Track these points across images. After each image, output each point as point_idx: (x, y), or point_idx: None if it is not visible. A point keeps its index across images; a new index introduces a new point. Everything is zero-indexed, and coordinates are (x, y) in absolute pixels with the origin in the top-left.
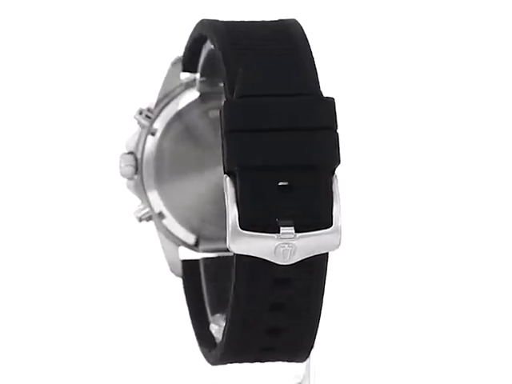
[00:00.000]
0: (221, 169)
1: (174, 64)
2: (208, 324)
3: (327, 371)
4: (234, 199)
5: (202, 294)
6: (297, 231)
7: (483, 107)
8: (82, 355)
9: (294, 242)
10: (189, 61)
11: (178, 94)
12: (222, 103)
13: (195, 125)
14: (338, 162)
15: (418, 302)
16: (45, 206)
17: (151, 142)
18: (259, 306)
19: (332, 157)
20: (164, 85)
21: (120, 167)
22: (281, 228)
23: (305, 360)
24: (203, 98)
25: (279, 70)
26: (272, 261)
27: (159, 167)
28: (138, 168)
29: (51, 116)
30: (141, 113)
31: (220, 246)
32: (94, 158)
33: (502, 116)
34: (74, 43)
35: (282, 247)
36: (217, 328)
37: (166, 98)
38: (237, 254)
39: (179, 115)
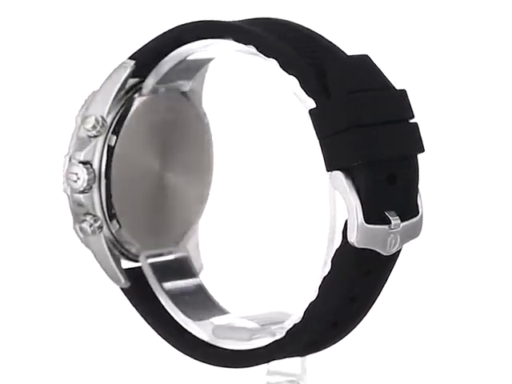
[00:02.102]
0: (171, 175)
1: (125, 68)
2: (182, 329)
3: (322, 368)
4: (355, 194)
5: (158, 300)
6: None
7: (483, 107)
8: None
9: (399, 232)
10: (145, 65)
11: (130, 99)
12: (316, 104)
13: (152, 131)
14: (423, 150)
15: (417, 302)
16: None
17: (108, 152)
18: (343, 300)
19: (421, 146)
20: (116, 90)
21: (76, 178)
22: (391, 219)
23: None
24: (156, 102)
25: (351, 66)
26: (380, 252)
27: (117, 176)
28: (95, 178)
29: None
30: (94, 125)
31: (159, 251)
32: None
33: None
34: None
35: (389, 237)
36: (221, 330)
37: (117, 105)
38: (341, 249)
39: (135, 121)
